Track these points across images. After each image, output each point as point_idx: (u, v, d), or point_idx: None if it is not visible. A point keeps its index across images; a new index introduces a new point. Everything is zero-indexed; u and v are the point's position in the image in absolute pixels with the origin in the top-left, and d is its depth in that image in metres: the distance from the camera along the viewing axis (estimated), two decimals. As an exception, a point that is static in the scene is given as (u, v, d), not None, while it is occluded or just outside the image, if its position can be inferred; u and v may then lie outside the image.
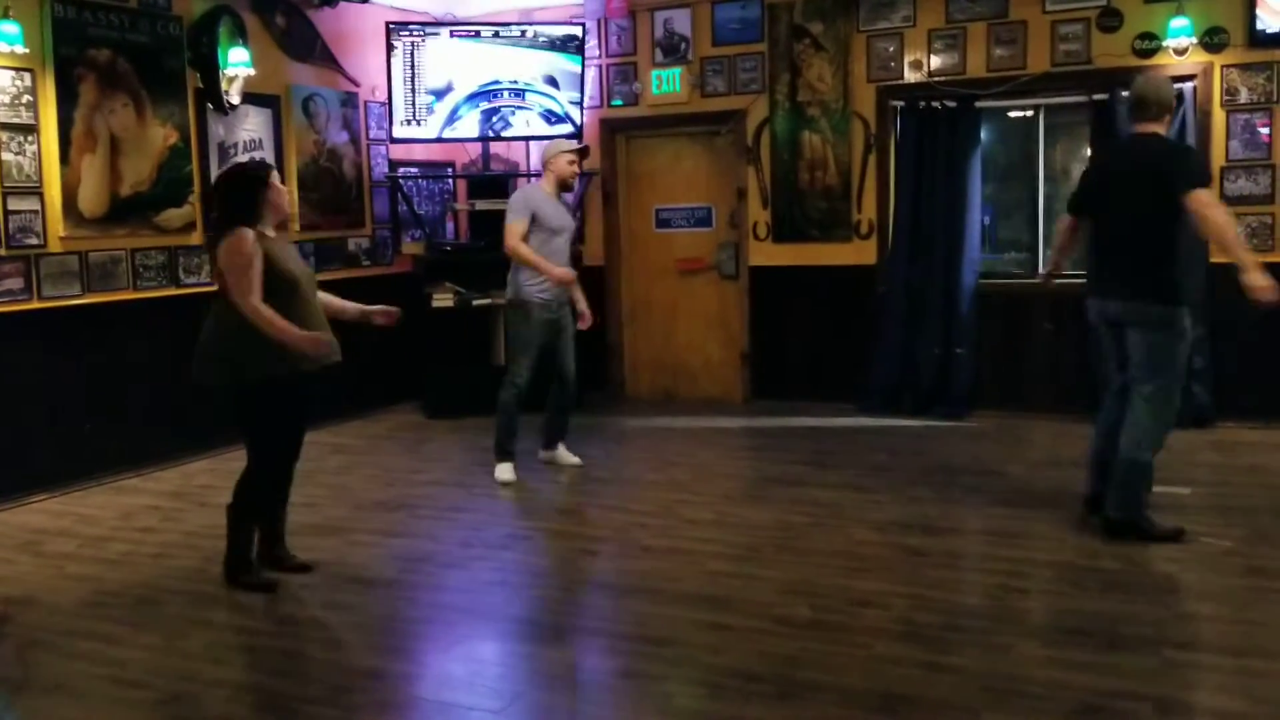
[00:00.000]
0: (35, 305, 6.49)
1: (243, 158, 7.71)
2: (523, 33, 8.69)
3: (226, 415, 5.00)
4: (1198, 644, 4.11)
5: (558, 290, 6.61)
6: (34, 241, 6.47)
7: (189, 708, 3.81)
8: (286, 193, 4.99)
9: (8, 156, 6.33)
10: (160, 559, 5.39)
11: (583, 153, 6.86)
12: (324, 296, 5.11)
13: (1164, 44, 7.54)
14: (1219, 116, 7.53)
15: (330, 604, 4.75)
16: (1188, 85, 7.52)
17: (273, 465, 4.96)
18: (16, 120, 6.37)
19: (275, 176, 4.88)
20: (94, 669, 4.13)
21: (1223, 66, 7.48)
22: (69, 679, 4.05)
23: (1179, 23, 7.41)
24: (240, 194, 4.75)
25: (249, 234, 4.63)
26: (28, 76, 6.42)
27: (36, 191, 6.48)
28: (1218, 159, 7.54)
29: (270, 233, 4.79)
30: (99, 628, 4.51)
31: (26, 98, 6.41)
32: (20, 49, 6.27)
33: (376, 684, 3.97)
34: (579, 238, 8.93)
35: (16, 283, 6.38)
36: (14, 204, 6.36)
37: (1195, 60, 7.52)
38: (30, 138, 6.44)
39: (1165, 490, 6.08)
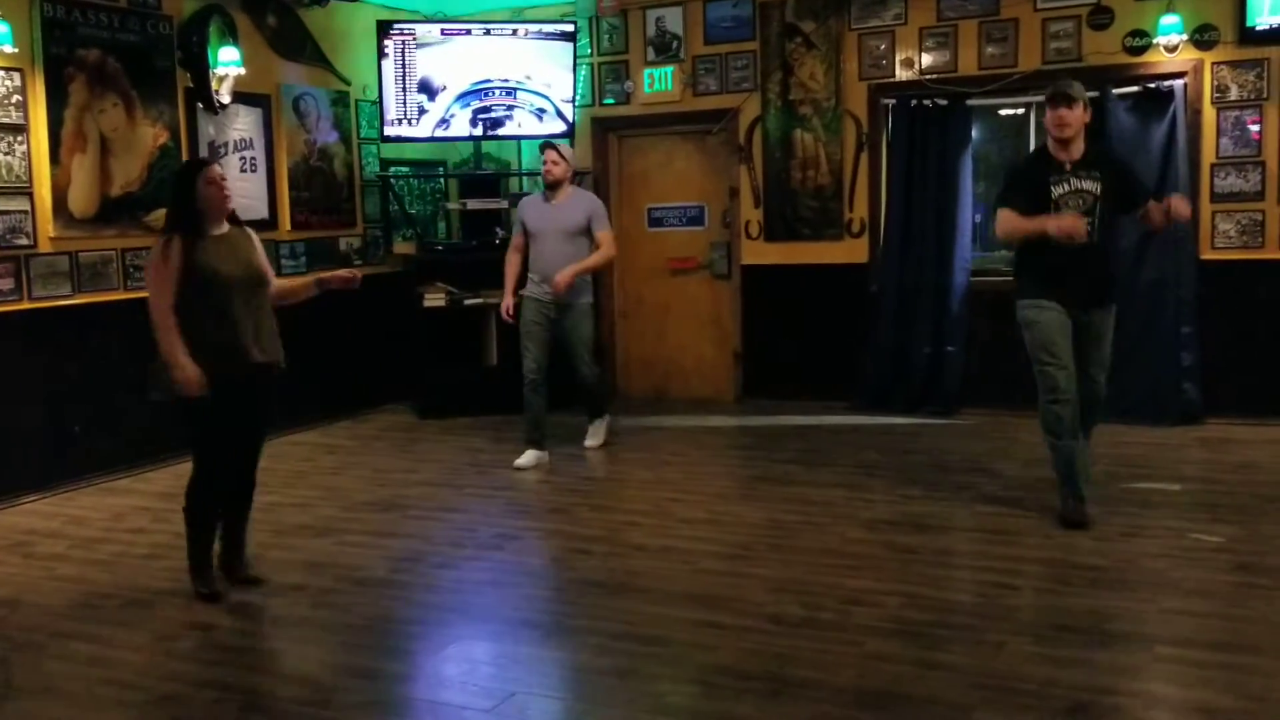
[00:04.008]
0: (25, 306, 6.47)
1: (234, 157, 7.72)
2: (514, 31, 8.69)
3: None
4: (1187, 640, 4.12)
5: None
6: (24, 242, 6.46)
7: (179, 709, 3.80)
8: (225, 186, 4.74)
9: (-3, 157, 6.33)
10: (151, 560, 5.37)
11: (545, 147, 7.27)
12: (280, 282, 5.10)
13: (1154, 41, 7.55)
14: (1209, 114, 7.54)
15: (322, 604, 4.75)
16: (1178, 83, 7.53)
17: (212, 472, 4.80)
18: (6, 120, 6.35)
19: (213, 171, 4.73)
20: (84, 670, 4.13)
21: (1213, 64, 7.49)
22: (59, 680, 4.04)
23: (1169, 20, 7.42)
24: (178, 192, 4.75)
25: (167, 241, 4.63)
26: (17, 76, 6.40)
27: (26, 192, 6.47)
28: (1208, 156, 7.56)
29: (218, 230, 4.72)
30: (89, 629, 4.50)
31: (16, 98, 6.40)
32: (9, 48, 6.26)
33: (368, 684, 3.97)
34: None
35: (6, 283, 6.37)
36: (3, 204, 6.34)
37: (1186, 57, 7.53)
38: (20, 138, 6.43)
39: (1154, 486, 6.13)
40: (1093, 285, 5.44)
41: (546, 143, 7.30)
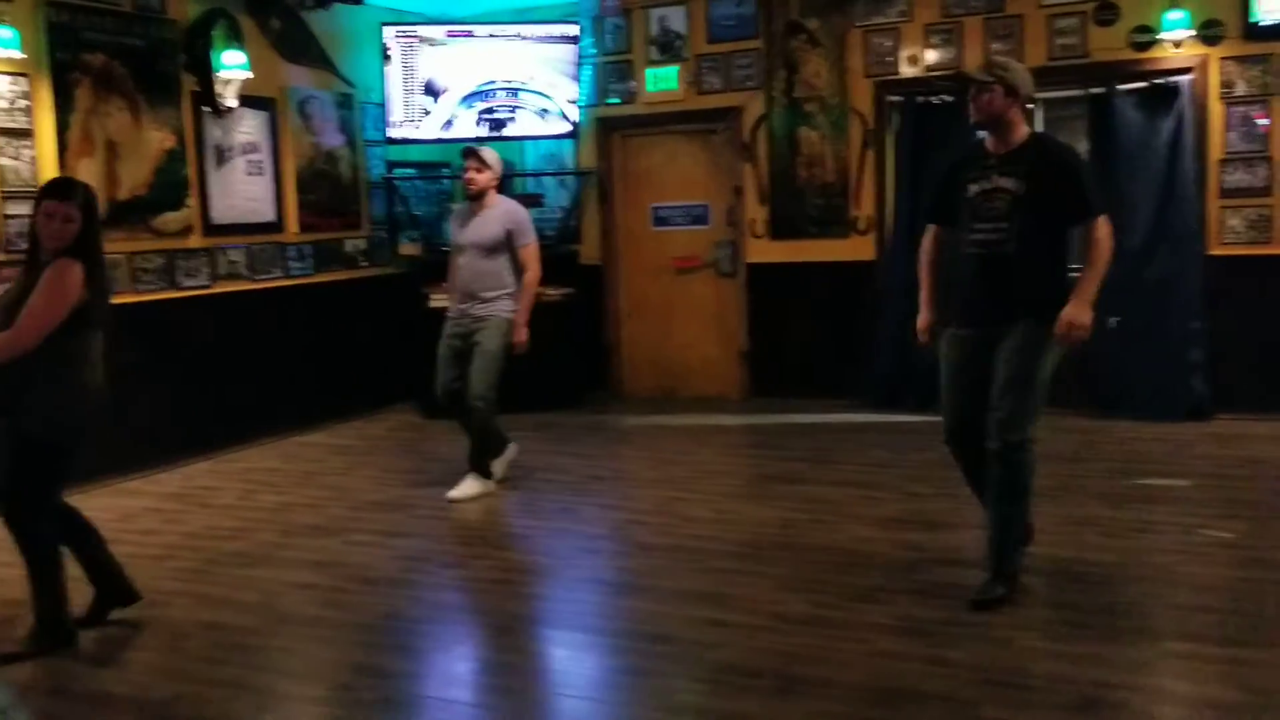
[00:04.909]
0: (34, 309, 6.48)
1: (240, 160, 7.73)
2: (518, 33, 8.70)
3: None
4: (1196, 636, 4.11)
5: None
6: (32, 245, 6.47)
7: (191, 708, 3.82)
8: (55, 221, 4.23)
9: (5, 161, 6.32)
10: (162, 560, 5.38)
11: (466, 153, 6.45)
12: None
13: (1160, 37, 7.53)
14: (1216, 109, 7.52)
15: (332, 603, 4.76)
16: (1184, 78, 7.53)
17: None
18: (13, 125, 6.37)
19: (47, 203, 4.27)
20: (95, 671, 4.14)
21: (1220, 59, 7.48)
22: (69, 680, 4.06)
23: (1175, 15, 7.41)
24: None
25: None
26: (24, 81, 6.42)
27: (34, 196, 6.46)
28: (1215, 152, 7.54)
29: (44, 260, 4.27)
30: (101, 630, 4.50)
31: (23, 103, 6.42)
32: (16, 54, 6.27)
33: (379, 682, 3.98)
34: (572, 238, 8.99)
35: (15, 287, 6.39)
36: (12, 208, 6.36)
37: (1192, 53, 7.52)
38: (27, 142, 6.44)
39: (1163, 482, 6.12)
40: (998, 300, 4.47)
41: (467, 148, 6.50)
